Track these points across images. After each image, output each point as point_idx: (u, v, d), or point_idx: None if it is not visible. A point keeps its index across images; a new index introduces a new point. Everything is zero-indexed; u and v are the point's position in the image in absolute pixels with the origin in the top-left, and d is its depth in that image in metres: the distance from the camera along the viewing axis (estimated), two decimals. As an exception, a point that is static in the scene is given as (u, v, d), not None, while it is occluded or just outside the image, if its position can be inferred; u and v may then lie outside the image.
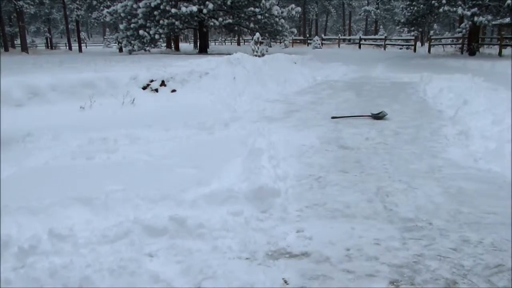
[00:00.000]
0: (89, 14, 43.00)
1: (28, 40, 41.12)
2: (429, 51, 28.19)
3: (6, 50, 36.10)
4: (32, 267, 2.74)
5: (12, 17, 42.55)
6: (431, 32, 32.66)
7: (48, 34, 49.52)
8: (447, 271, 2.82)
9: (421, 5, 24.19)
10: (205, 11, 21.91)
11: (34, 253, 2.88)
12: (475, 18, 19.78)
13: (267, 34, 24.77)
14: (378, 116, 8.02)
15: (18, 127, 7.13)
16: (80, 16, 42.98)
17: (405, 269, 2.85)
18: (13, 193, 3.86)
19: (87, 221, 3.41)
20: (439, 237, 3.29)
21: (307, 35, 48.92)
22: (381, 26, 51.35)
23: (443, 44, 30.84)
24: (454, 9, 20.82)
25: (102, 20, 37.96)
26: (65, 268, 2.73)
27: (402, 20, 29.20)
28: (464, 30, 25.09)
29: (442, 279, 2.73)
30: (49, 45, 49.48)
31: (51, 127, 6.94)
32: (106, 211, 3.54)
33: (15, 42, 43.98)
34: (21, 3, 34.78)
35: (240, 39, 44.57)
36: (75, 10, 40.80)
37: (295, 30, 30.53)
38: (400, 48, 32.89)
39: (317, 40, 34.62)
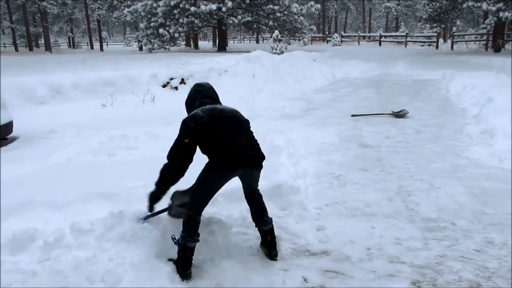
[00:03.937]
0: (110, 14, 43.67)
1: (51, 39, 41.99)
2: (451, 48, 27.60)
3: (31, 49, 36.98)
4: (57, 260, 2.80)
5: (36, 17, 43.52)
6: (454, 29, 31.88)
7: (70, 34, 50.47)
8: (470, 272, 2.76)
9: (444, 1, 23.70)
10: (224, 9, 21.96)
11: (58, 247, 2.94)
12: (501, 14, 19.27)
13: (286, 32, 24.67)
14: (399, 114, 7.91)
15: (42, 124, 7.30)
16: (102, 16, 43.69)
17: (427, 269, 2.80)
18: (38, 188, 3.95)
19: (108, 216, 3.45)
20: (462, 238, 3.22)
21: (327, 33, 48.53)
22: (402, 23, 50.49)
23: (466, 41, 30.12)
24: (479, 4, 20.31)
25: (122, 19, 38.49)
26: (88, 261, 2.78)
27: (424, 17, 28.64)
28: (488, 26, 24.49)
29: (466, 281, 2.67)
30: (72, 44, 50.44)
31: (73, 124, 7.08)
32: (127, 206, 3.59)
33: (39, 41, 44.99)
34: (44, 3, 35.60)
35: (259, 37, 44.50)
36: (97, 9, 41.50)
37: (314, 28, 30.33)
38: (422, 45, 32.29)
39: (337, 38, 34.30)
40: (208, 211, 3.45)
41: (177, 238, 2.83)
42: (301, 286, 2.64)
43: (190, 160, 2.81)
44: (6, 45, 45.60)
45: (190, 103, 3.04)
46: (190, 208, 2.82)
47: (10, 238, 2.95)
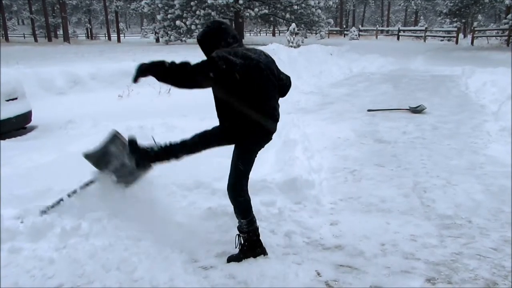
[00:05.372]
0: (128, 5, 43.91)
1: (70, 30, 42.52)
2: (472, 43, 27.05)
3: (49, 40, 37.50)
4: (74, 248, 2.86)
5: (55, 8, 44.09)
6: (475, 24, 31.22)
7: (88, 25, 51.00)
8: (487, 271, 2.72)
9: (465, -5, 23.21)
10: (241, 1, 21.92)
11: (75, 235, 3.00)
12: (524, 9, 18.79)
13: (303, 25, 24.53)
14: (417, 110, 7.80)
15: (60, 114, 7.42)
16: (119, 7, 44.01)
17: (442, 267, 2.77)
18: (56, 176, 4.02)
19: (124, 206, 3.50)
20: (479, 236, 3.18)
21: (344, 26, 48.00)
22: (421, 17, 49.61)
23: (487, 36, 29.43)
24: (501, -2, 19.84)
25: (140, 10, 38.67)
26: (104, 250, 2.83)
27: (444, 11, 28.13)
28: (511, 22, 23.89)
29: (482, 279, 2.64)
30: (90, 35, 50.97)
31: (91, 115, 7.18)
32: (143, 196, 3.62)
33: (58, 32, 45.58)
34: (63, -6, 35.99)
35: (275, 30, 44.28)
36: (115, 1, 41.79)
37: (331, 21, 30.07)
38: (441, 40, 31.71)
39: (354, 31, 33.90)
40: (222, 203, 3.48)
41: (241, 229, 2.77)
42: (314, 280, 2.64)
43: (199, 87, 2.53)
44: (25, 36, 46.34)
45: (213, 43, 2.61)
46: (239, 191, 2.70)
47: (29, 225, 3.02)
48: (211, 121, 6.87)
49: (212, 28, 2.67)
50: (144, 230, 3.15)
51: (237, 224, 2.82)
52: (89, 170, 3.32)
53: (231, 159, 2.75)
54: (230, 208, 3.39)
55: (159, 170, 4.18)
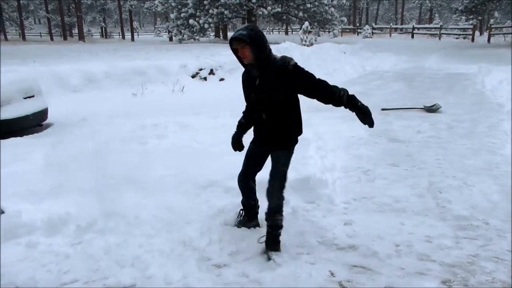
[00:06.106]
0: (142, 4, 44.30)
1: (85, 29, 43.00)
2: (488, 41, 26.61)
3: (65, 39, 38.01)
4: (89, 244, 2.89)
5: (70, 7, 44.62)
6: (492, 21, 30.68)
7: (103, 24, 51.55)
8: (504, 273, 2.67)
9: (482, -8, 22.81)
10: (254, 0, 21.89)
11: (90, 231, 3.04)
12: (542, 6, 18.40)
13: (316, 23, 24.41)
14: (431, 109, 7.70)
15: (75, 112, 7.51)
16: (133, 6, 44.39)
17: (458, 269, 2.73)
18: (71, 173, 4.07)
19: (138, 203, 3.53)
20: (496, 238, 3.12)
21: (357, 24, 47.64)
22: (436, 15, 48.97)
23: (504, 34, 28.89)
24: (519, -5, 19.45)
25: (153, 9, 38.98)
26: (118, 246, 2.86)
27: (459, 8, 27.65)
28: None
29: (499, 282, 2.59)
30: (104, 34, 51.51)
31: (105, 113, 7.25)
32: (157, 194, 3.65)
33: (73, 31, 46.14)
34: (79, -7, 36.40)
35: (288, 28, 44.16)
36: (129, 0, 42.14)
37: (345, 19, 29.83)
38: (457, 38, 31.26)
39: (368, 30, 33.63)
40: (235, 201, 3.48)
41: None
42: (327, 280, 2.63)
43: None
44: (42, 34, 47.01)
45: (268, 47, 2.68)
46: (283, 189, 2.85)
47: (46, 221, 3.06)
48: (224, 119, 6.93)
49: (258, 32, 2.67)
50: (157, 227, 3.17)
51: (270, 223, 2.85)
52: (102, 166, 3.35)
53: (274, 164, 2.87)
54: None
55: (173, 169, 4.22)
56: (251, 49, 2.61)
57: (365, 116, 2.78)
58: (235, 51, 2.71)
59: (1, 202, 3.37)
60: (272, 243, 2.86)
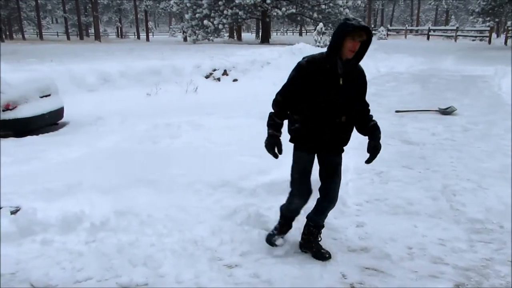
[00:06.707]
0: (157, 4, 44.64)
1: (101, 29, 43.56)
2: (505, 43, 26.13)
3: (81, 38, 38.57)
4: (102, 242, 2.93)
5: (87, 7, 45.25)
6: (509, 23, 30.13)
7: (118, 24, 52.12)
8: (519, 278, 2.63)
9: (499, -7, 22.44)
10: (268, 0, 21.93)
11: (103, 229, 3.07)
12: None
13: (330, 24, 24.27)
14: (446, 111, 7.60)
15: (91, 111, 7.61)
16: (149, 6, 44.83)
17: (472, 272, 2.70)
18: (86, 172, 4.13)
19: (151, 202, 3.57)
20: (510, 241, 3.07)
21: (372, 26, 47.28)
22: (452, 16, 48.38)
23: (522, 36, 28.41)
24: (538, -3, 19.08)
25: (168, 10, 39.27)
26: (131, 245, 2.89)
27: (476, 10, 27.29)
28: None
29: (514, 287, 2.55)
30: (120, 34, 52.08)
31: (120, 112, 7.33)
32: (169, 194, 3.68)
33: (89, 31, 46.77)
34: (95, -6, 36.89)
35: (302, 29, 44.04)
36: (144, 0, 42.56)
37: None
38: (473, 40, 30.78)
39: (383, 31, 33.35)
40: (248, 201, 3.49)
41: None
42: (339, 281, 2.62)
43: None
44: (59, 34, 47.77)
45: None
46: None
47: (60, 219, 3.11)
48: (237, 119, 6.95)
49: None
50: (169, 227, 3.19)
51: (321, 223, 2.93)
52: (116, 165, 3.38)
53: (335, 165, 2.95)
54: (254, 206, 3.41)
55: (185, 169, 4.25)
56: (365, 46, 2.48)
57: (375, 150, 2.84)
58: (341, 39, 2.43)
59: (18, 200, 3.43)
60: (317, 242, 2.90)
